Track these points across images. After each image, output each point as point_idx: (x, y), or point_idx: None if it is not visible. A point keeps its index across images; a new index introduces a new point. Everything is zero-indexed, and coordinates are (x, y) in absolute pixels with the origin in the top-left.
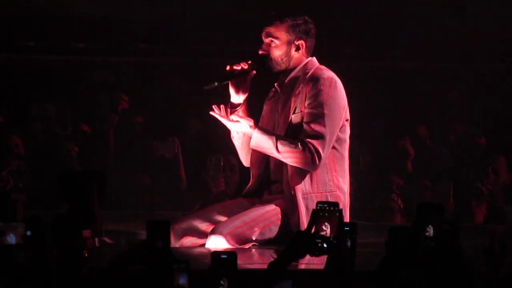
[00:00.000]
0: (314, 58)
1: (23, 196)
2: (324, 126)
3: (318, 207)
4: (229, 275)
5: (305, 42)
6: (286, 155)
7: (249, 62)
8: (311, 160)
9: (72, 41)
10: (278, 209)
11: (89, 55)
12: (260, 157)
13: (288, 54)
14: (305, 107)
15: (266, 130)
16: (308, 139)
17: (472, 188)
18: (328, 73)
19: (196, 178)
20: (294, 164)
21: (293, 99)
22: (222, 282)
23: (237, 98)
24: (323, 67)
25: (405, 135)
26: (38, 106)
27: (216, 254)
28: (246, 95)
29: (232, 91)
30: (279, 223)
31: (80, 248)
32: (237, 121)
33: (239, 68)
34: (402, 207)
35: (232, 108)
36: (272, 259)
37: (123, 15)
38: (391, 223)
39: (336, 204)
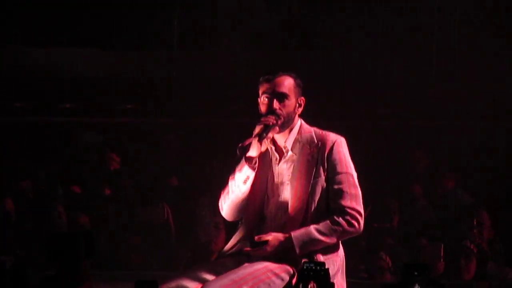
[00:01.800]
0: (300, 118)
1: (10, 258)
2: (354, 185)
3: (305, 267)
4: None
5: (304, 98)
6: (335, 237)
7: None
8: (357, 226)
9: (59, 102)
10: (267, 268)
11: (76, 116)
12: (254, 214)
13: (294, 111)
14: (326, 172)
15: (300, 232)
16: (345, 204)
17: (461, 247)
18: (335, 134)
19: (186, 230)
20: (344, 238)
21: (306, 165)
22: None
23: (254, 152)
24: (317, 128)
25: (393, 196)
26: (26, 166)
27: None
28: (261, 151)
29: (257, 145)
30: (268, 281)
31: None
32: (270, 240)
33: (270, 123)
34: (391, 265)
35: (246, 161)
36: None
37: (110, 76)
38: (381, 281)
39: (322, 264)
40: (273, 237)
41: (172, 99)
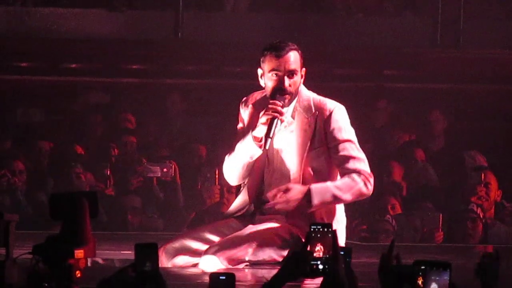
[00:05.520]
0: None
1: (15, 217)
2: (359, 150)
3: (312, 229)
4: None
5: (306, 69)
6: (350, 196)
7: (281, 103)
8: (371, 188)
9: (65, 62)
10: (271, 230)
11: (82, 76)
12: (257, 178)
13: (300, 85)
14: (326, 142)
15: (318, 185)
16: (356, 167)
17: (467, 211)
18: (334, 102)
19: (190, 190)
20: (356, 199)
21: (303, 135)
22: None
23: (261, 133)
24: (316, 95)
25: (391, 160)
26: (24, 113)
27: (214, 276)
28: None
29: (263, 128)
30: (272, 243)
31: (72, 269)
32: (291, 188)
33: (280, 112)
34: (397, 228)
35: (255, 141)
36: (265, 280)
37: (115, 36)
38: (385, 243)
39: (329, 225)
40: (294, 188)
41: (177, 60)
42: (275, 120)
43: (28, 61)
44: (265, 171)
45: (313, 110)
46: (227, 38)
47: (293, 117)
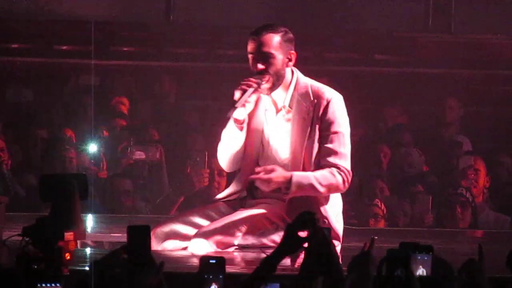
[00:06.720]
0: (296, 70)
1: (5, 199)
2: (345, 145)
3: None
4: (218, 280)
5: (295, 52)
6: (326, 189)
7: (258, 79)
8: (347, 185)
9: (55, 43)
10: (261, 214)
11: (73, 58)
12: (251, 166)
13: (283, 68)
14: (319, 130)
15: (300, 174)
16: (337, 163)
17: (456, 195)
18: (332, 91)
19: (180, 173)
20: (332, 193)
21: (302, 123)
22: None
23: (240, 115)
24: (314, 81)
25: (382, 143)
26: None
27: (205, 259)
28: (249, 111)
29: (241, 108)
30: (262, 228)
31: (62, 251)
32: (275, 170)
33: (253, 86)
34: (386, 212)
35: (236, 123)
36: (255, 266)
37: (107, 18)
38: (374, 227)
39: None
40: (278, 171)
41: (169, 43)
42: (248, 90)
43: (19, 43)
44: (259, 158)
45: (312, 98)
46: (219, 21)
47: (291, 106)
